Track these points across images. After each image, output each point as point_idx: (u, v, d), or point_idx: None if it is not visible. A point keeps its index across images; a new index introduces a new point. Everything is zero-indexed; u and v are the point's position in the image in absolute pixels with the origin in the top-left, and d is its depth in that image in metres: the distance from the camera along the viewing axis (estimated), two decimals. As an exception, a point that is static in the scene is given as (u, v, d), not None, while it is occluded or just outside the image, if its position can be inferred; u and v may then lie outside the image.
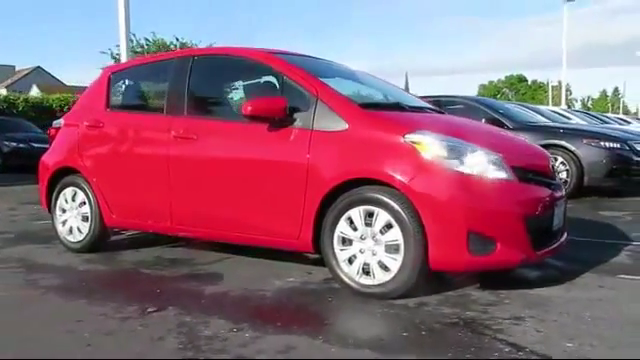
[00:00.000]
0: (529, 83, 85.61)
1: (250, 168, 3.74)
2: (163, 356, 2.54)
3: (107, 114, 4.63)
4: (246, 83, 4.49)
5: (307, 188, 3.49)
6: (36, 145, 14.66)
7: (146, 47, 32.02)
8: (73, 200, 4.76)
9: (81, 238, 4.72)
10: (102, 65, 30.39)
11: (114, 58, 31.50)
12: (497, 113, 8.61)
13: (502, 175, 3.24)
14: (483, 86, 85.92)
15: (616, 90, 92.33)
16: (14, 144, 14.28)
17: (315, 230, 3.51)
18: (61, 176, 4.84)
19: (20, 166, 13.63)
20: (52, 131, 5.08)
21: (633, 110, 67.67)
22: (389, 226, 3.26)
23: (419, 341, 2.70)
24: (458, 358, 2.47)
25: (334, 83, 3.84)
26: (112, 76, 4.81)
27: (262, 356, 2.53)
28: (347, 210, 3.38)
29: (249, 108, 3.57)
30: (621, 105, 75.43)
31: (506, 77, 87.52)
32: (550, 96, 54.81)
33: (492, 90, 79.94)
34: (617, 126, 12.84)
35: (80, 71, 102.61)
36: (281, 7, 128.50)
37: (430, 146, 3.23)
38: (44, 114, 19.50)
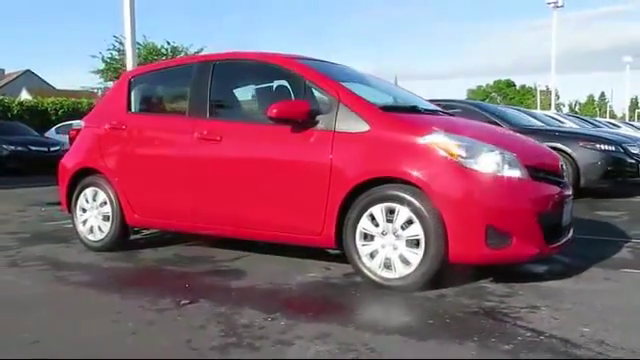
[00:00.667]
0: (517, 88, 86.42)
1: (274, 168, 3.91)
2: (210, 342, 2.70)
3: (128, 116, 4.79)
4: (259, 86, 4.66)
5: (330, 187, 3.67)
6: (34, 148, 14.77)
7: (136, 50, 32.20)
8: (94, 200, 4.90)
9: (102, 237, 4.86)
10: (94, 69, 30.45)
11: (105, 62, 31.70)
12: (495, 116, 8.83)
13: (517, 173, 3.44)
14: (472, 91, 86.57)
15: (602, 95, 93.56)
16: (12, 147, 14.32)
17: (337, 226, 3.68)
18: (82, 177, 4.97)
19: (18, 169, 13.71)
20: (72, 133, 5.21)
21: (619, 115, 68.55)
22: (410, 222, 3.45)
23: (445, 328, 2.88)
24: (484, 343, 2.65)
25: (352, 87, 4.02)
26: (132, 80, 4.97)
27: (300, 342, 2.70)
28: (369, 207, 3.57)
29: (274, 111, 3.75)
30: (608, 110, 76.35)
31: (494, 82, 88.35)
32: (538, 101, 55.50)
33: (481, 95, 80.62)
34: (610, 129, 13.14)
35: (70, 75, 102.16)
36: (266, 12, 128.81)
37: (449, 146, 3.43)
38: (38, 118, 19.57)
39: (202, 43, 56.01)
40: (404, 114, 3.88)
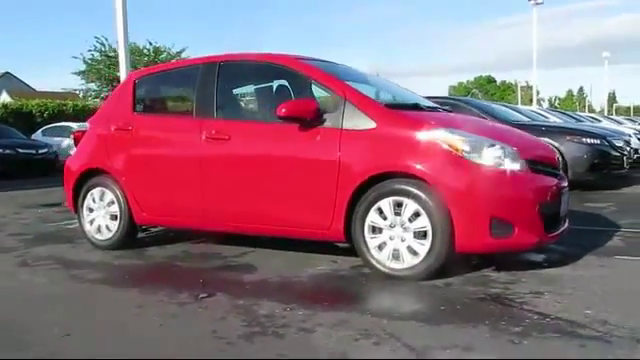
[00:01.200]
0: (498, 84, 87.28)
1: (283, 165, 4.05)
2: (235, 332, 2.83)
3: (135, 117, 4.88)
4: (266, 87, 4.79)
5: (338, 182, 3.81)
6: (22, 151, 14.71)
7: (118, 52, 32.05)
8: (101, 200, 4.98)
9: (110, 236, 4.95)
10: (75, 70, 30.27)
11: (86, 63, 31.52)
12: (483, 112, 9.03)
13: (517, 166, 3.62)
14: (453, 87, 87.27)
15: (581, 90, 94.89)
16: (0, 150, 14.23)
17: (346, 220, 3.83)
18: (88, 178, 5.06)
19: (6, 172, 13.62)
20: (78, 135, 5.29)
21: (597, 109, 69.61)
22: (417, 214, 3.61)
23: (457, 313, 3.04)
24: (495, 326, 2.82)
25: (356, 86, 4.16)
26: (137, 81, 5.06)
27: (322, 329, 2.84)
28: (377, 201, 3.72)
29: (284, 110, 3.89)
30: (587, 104, 77.46)
31: (475, 78, 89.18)
32: (519, 96, 56.19)
33: (462, 91, 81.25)
34: (593, 123, 13.45)
35: (50, 76, 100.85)
36: (248, 12, 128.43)
37: (453, 142, 3.59)
38: (23, 120, 19.40)
39: (184, 43, 55.77)
40: (408, 111, 4.03)
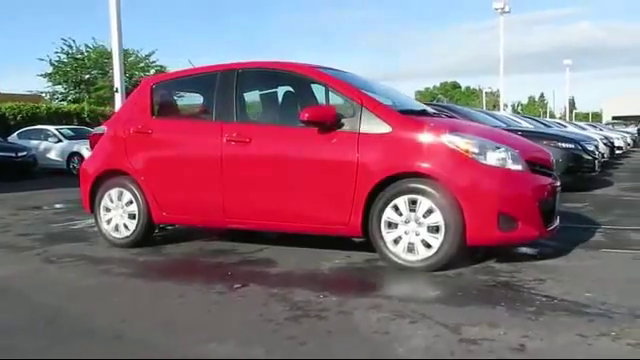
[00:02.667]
0: (463, 90, 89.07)
1: (304, 166, 4.36)
2: (280, 315, 3.14)
3: (154, 121, 5.13)
4: (285, 92, 5.10)
5: (357, 182, 4.15)
6: (1, 154, 14.58)
7: (86, 53, 31.81)
8: (119, 200, 5.21)
9: (128, 234, 5.18)
10: (41, 72, 29.93)
11: (53, 65, 31.18)
12: (464, 118, 9.49)
13: (519, 167, 4.03)
14: (419, 92, 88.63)
15: (542, 96, 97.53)
16: (-22, 153, 14.13)
17: (363, 217, 4.17)
18: (105, 178, 5.28)
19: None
20: (94, 138, 5.51)
21: (558, 115, 71.65)
22: (430, 211, 3.98)
23: (474, 297, 3.42)
24: (511, 306, 3.20)
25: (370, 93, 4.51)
26: (154, 87, 5.31)
27: (359, 312, 3.17)
28: (393, 199, 4.07)
29: (306, 115, 4.22)
30: (548, 110, 79.73)
31: (441, 84, 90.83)
32: (484, 102, 57.55)
33: (428, 96, 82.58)
34: (562, 129, 14.12)
35: (14, 78, 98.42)
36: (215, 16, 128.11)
37: (463, 144, 3.98)
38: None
39: (152, 46, 55.36)
40: (420, 117, 4.40)
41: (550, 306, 3.19)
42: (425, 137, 4.07)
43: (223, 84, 4.83)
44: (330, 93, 4.49)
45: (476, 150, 3.96)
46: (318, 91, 4.66)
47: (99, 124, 20.77)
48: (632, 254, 4.53)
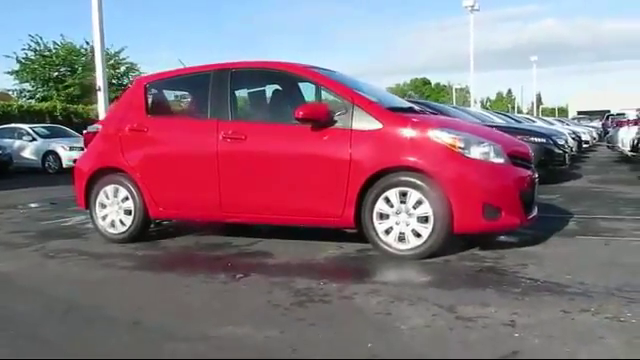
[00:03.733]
0: (432, 86, 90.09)
1: (298, 161, 4.58)
2: (286, 300, 3.36)
3: (149, 119, 5.28)
4: (279, 91, 5.31)
5: (350, 176, 4.39)
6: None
7: (54, 50, 31.38)
8: (115, 196, 5.34)
9: (124, 230, 5.32)
10: (8, 69, 29.41)
11: (20, 62, 30.66)
12: (441, 114, 9.82)
13: (502, 160, 4.32)
14: (389, 89, 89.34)
15: (509, 92, 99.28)
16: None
17: (356, 209, 4.41)
18: (100, 176, 5.41)
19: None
20: (88, 136, 5.63)
21: (525, 110, 73.14)
22: (420, 202, 4.24)
23: (464, 281, 3.69)
24: (499, 288, 3.47)
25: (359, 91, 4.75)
26: (147, 86, 5.46)
27: (359, 296, 3.41)
28: (384, 192, 4.32)
29: (301, 112, 4.44)
30: (515, 106, 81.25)
31: (411, 80, 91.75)
32: (454, 98, 58.46)
33: (398, 93, 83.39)
34: (532, 124, 14.61)
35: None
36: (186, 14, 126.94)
37: (450, 139, 4.25)
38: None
39: (123, 43, 54.64)
40: (409, 114, 4.66)
41: (534, 287, 3.48)
42: (414, 133, 4.32)
43: (218, 83, 5.00)
44: (322, 91, 4.71)
45: (462, 145, 4.23)
46: (310, 90, 4.87)
47: (71, 123, 20.79)
48: (604, 240, 4.87)
